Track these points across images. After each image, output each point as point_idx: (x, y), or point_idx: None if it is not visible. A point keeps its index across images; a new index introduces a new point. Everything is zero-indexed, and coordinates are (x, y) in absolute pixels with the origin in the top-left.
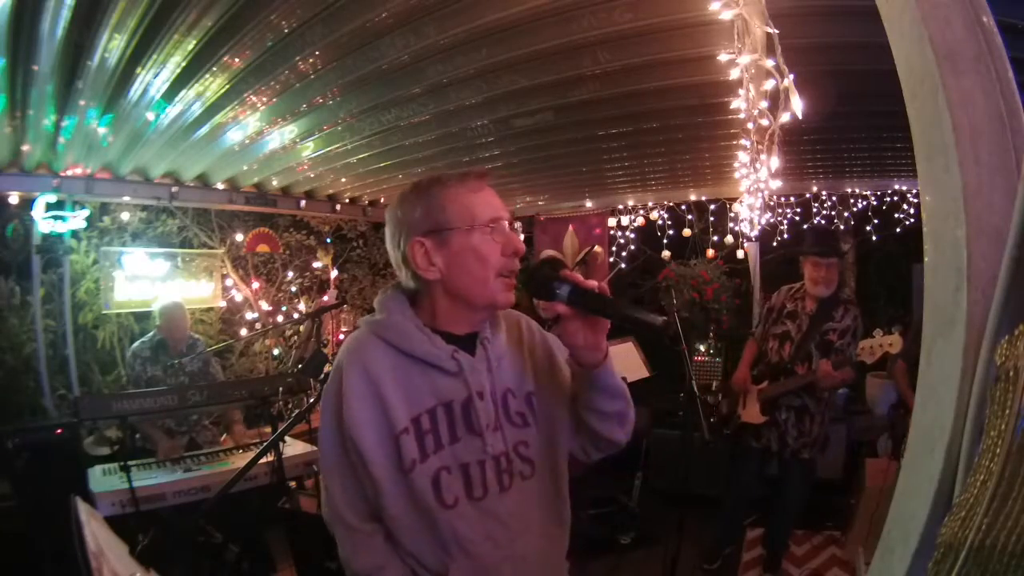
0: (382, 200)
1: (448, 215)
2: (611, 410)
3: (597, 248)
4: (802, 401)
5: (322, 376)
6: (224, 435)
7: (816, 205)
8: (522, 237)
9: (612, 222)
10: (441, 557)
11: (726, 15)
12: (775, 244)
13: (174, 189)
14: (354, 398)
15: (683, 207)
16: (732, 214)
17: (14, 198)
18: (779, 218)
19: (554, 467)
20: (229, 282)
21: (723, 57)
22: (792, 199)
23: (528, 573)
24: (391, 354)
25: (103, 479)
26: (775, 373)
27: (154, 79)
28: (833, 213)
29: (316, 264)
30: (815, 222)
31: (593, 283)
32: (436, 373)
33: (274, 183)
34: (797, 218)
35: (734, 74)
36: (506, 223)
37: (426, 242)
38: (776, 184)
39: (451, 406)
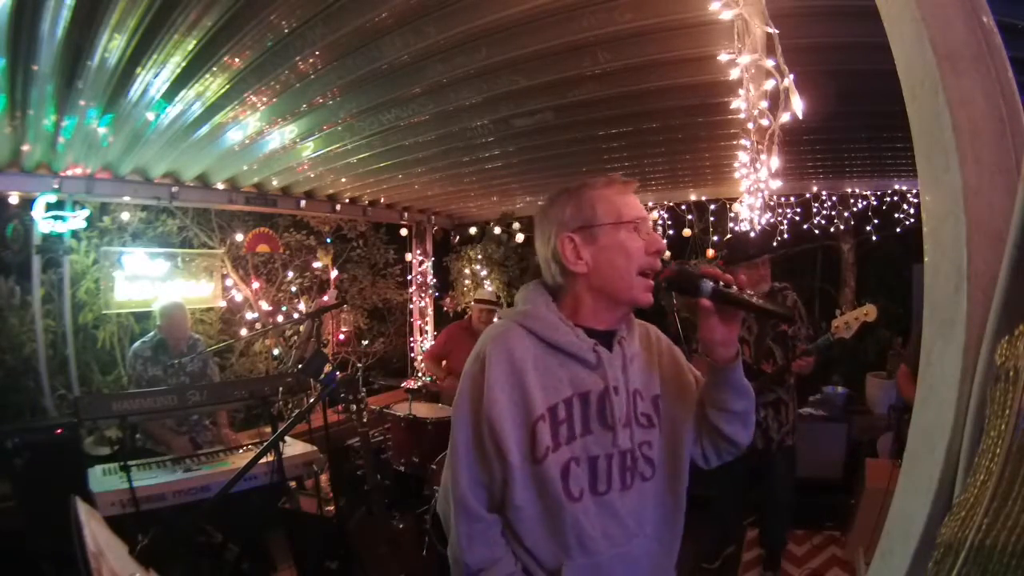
0: (382, 200)
1: (597, 212)
2: (740, 409)
3: None
4: (776, 395)
5: (322, 376)
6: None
7: (816, 205)
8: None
9: None
10: (557, 553)
11: (726, 15)
12: (775, 244)
13: (174, 189)
14: (497, 384)
15: (683, 207)
16: (732, 214)
17: (14, 198)
18: (779, 218)
19: (674, 472)
20: (229, 282)
21: (723, 57)
22: (792, 199)
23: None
24: (534, 343)
25: (103, 479)
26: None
27: (154, 79)
28: (833, 213)
29: (316, 264)
30: (815, 222)
31: (729, 277)
32: (575, 364)
33: (274, 183)
34: (797, 218)
35: (734, 74)
36: (649, 224)
37: (575, 237)
38: (776, 184)
39: (587, 397)
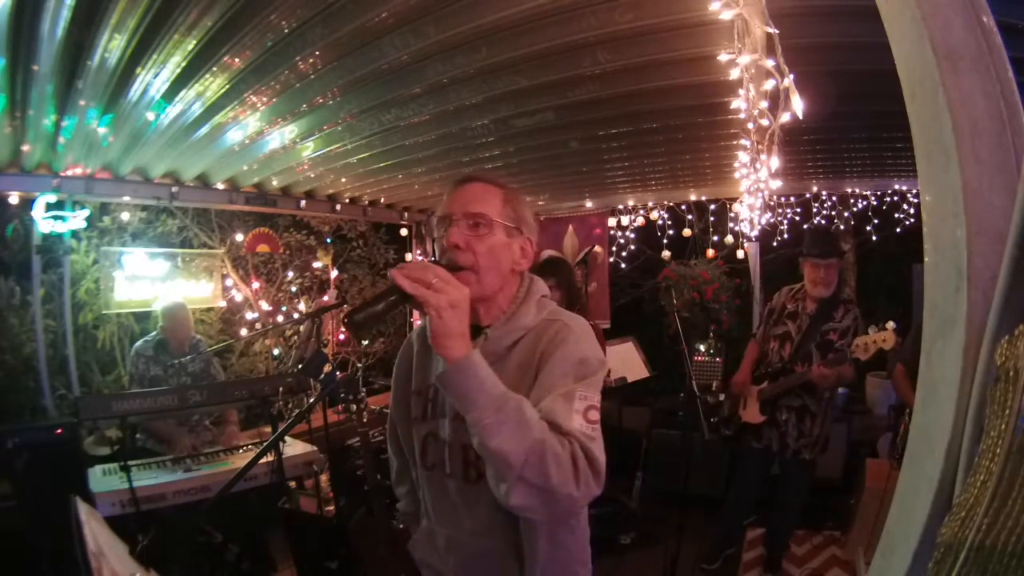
0: (382, 200)
1: None
2: (474, 444)
3: (597, 248)
4: (803, 402)
5: (322, 376)
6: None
7: (816, 205)
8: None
9: (612, 222)
10: (422, 509)
11: (726, 15)
12: (775, 244)
13: (174, 189)
14: (398, 359)
15: (683, 207)
16: (732, 214)
17: (14, 198)
18: (779, 218)
19: None
20: (229, 282)
21: (723, 57)
22: (792, 199)
23: None
24: None
25: (103, 479)
26: (775, 373)
27: (154, 79)
28: (833, 213)
29: (316, 264)
30: (815, 222)
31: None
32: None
33: (274, 183)
34: (797, 218)
35: (734, 74)
36: (459, 222)
37: None
38: (776, 184)
39: None
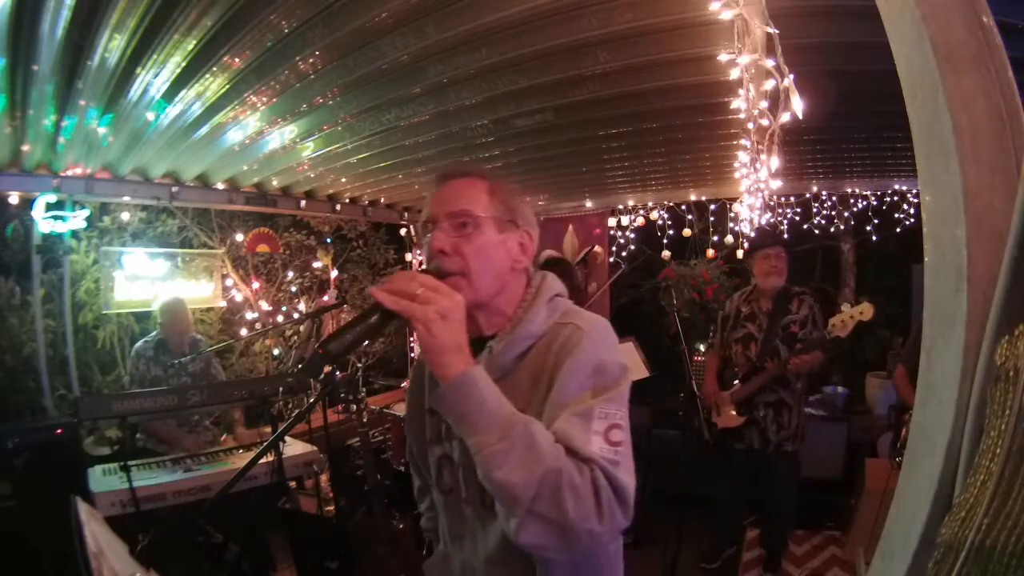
0: (382, 200)
1: None
2: (480, 475)
3: (597, 248)
4: (778, 395)
5: (322, 376)
6: (225, 435)
7: (816, 205)
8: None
9: (612, 222)
10: (439, 531)
11: (726, 15)
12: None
13: (174, 189)
14: (413, 371)
15: (683, 207)
16: (732, 214)
17: (14, 198)
18: (779, 218)
19: None
20: (229, 282)
21: (723, 57)
22: (792, 199)
23: None
24: None
25: (103, 479)
26: (745, 374)
27: (154, 79)
28: (833, 213)
29: (316, 264)
30: (815, 222)
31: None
32: None
33: (274, 183)
34: (797, 218)
35: (734, 74)
36: (441, 224)
37: None
38: (776, 184)
39: None
